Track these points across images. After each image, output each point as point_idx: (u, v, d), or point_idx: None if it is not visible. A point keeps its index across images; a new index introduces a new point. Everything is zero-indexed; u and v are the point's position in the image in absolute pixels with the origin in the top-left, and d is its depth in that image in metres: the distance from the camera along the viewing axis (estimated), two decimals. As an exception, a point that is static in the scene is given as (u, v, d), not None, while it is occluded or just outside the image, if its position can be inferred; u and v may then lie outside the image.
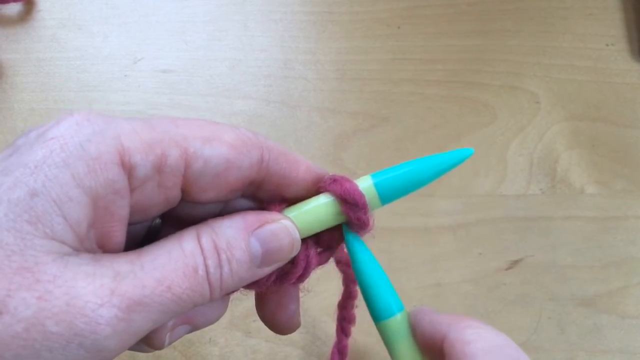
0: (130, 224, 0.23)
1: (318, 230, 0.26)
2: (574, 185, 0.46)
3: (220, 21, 0.50)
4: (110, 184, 0.21)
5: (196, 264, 0.22)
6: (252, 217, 0.24)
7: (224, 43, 0.50)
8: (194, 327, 0.26)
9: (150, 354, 0.40)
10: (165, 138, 0.22)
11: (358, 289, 0.29)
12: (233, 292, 0.25)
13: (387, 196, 0.26)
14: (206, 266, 0.22)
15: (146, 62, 0.48)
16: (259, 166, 0.24)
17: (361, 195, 0.25)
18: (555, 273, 0.44)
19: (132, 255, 0.22)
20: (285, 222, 0.25)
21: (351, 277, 0.31)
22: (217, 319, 0.27)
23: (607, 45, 0.51)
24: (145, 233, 0.26)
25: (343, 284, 0.32)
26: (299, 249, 0.26)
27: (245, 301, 0.42)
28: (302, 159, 0.26)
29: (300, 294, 0.29)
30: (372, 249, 0.43)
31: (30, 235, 0.19)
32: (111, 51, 0.49)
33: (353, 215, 0.26)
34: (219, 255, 0.23)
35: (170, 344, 0.26)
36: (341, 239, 0.27)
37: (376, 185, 0.26)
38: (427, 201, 0.45)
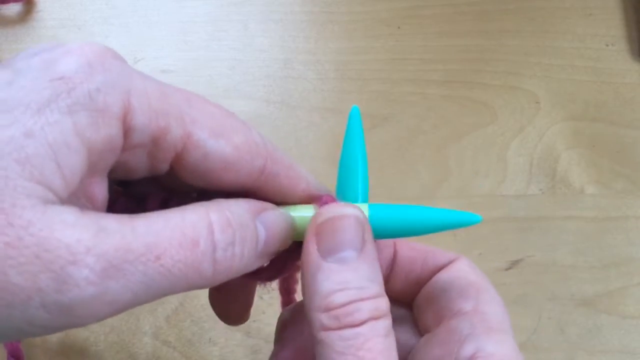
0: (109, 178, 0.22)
1: (299, 239, 0.24)
2: (574, 185, 0.46)
3: (220, 21, 0.50)
4: (109, 141, 0.20)
5: (197, 236, 0.20)
6: (255, 201, 0.23)
7: (224, 43, 0.50)
8: None
9: (150, 354, 0.40)
10: (174, 113, 0.21)
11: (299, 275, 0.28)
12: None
13: (378, 233, 0.24)
14: (214, 242, 0.20)
15: (146, 62, 0.48)
16: (258, 176, 0.23)
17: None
18: (555, 273, 0.44)
19: (124, 217, 0.19)
20: (285, 211, 0.24)
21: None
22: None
23: (607, 45, 0.51)
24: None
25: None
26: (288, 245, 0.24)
27: (245, 301, 0.42)
28: (304, 175, 0.25)
29: (266, 290, 0.28)
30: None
31: (14, 175, 0.17)
32: (111, 51, 0.49)
33: None
34: (234, 232, 0.21)
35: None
36: None
37: (371, 218, 0.24)
38: (427, 201, 0.45)
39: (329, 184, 0.26)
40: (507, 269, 0.44)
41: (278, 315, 0.43)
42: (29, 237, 0.17)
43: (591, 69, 0.50)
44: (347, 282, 0.21)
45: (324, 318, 0.21)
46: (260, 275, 0.25)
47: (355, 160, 0.25)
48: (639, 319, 0.43)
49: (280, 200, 0.24)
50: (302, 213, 0.24)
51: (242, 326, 0.41)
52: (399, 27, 0.51)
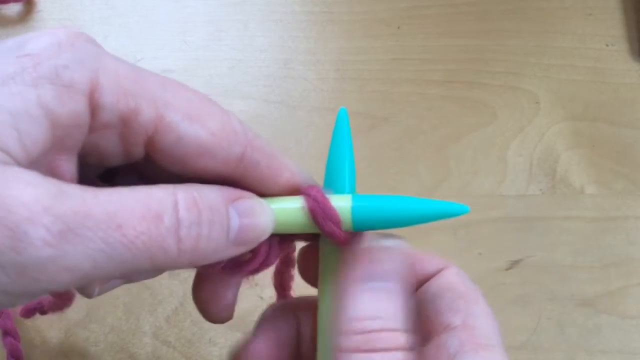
0: (86, 167, 0.22)
1: (283, 232, 0.24)
2: (574, 185, 0.46)
3: (220, 21, 0.50)
4: (74, 116, 0.19)
5: (161, 211, 0.19)
6: (231, 189, 0.22)
7: (224, 43, 0.50)
8: (128, 279, 0.24)
9: (150, 354, 0.40)
10: (145, 95, 0.21)
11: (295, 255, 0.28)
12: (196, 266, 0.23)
13: (361, 224, 0.23)
14: (178, 220, 0.20)
15: (146, 62, 0.48)
16: (237, 164, 0.22)
17: (334, 213, 0.23)
18: (555, 273, 0.44)
19: (89, 187, 0.19)
20: (263, 201, 0.23)
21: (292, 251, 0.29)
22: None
23: (607, 45, 0.51)
24: None
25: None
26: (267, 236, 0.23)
27: (245, 302, 0.42)
28: (288, 165, 0.24)
29: (250, 285, 0.28)
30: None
31: None
32: (111, 51, 0.48)
33: (324, 231, 0.23)
34: (200, 213, 0.20)
35: (100, 294, 0.23)
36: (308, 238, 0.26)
37: (354, 208, 0.23)
38: (427, 201, 0.45)
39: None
40: (507, 269, 0.44)
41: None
42: None
43: (591, 69, 0.50)
44: (380, 312, 0.22)
45: (346, 340, 0.21)
46: (242, 268, 0.25)
47: (342, 155, 0.25)
48: (639, 319, 0.43)
49: (262, 190, 0.24)
50: (285, 204, 0.24)
51: (242, 326, 0.41)
52: (399, 27, 0.51)
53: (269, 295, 0.42)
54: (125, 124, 0.21)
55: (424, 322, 0.25)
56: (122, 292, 0.41)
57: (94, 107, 0.20)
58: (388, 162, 0.46)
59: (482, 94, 0.49)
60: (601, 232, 0.45)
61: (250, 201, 0.23)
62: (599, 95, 0.49)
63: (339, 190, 0.25)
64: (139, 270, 0.20)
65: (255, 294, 0.42)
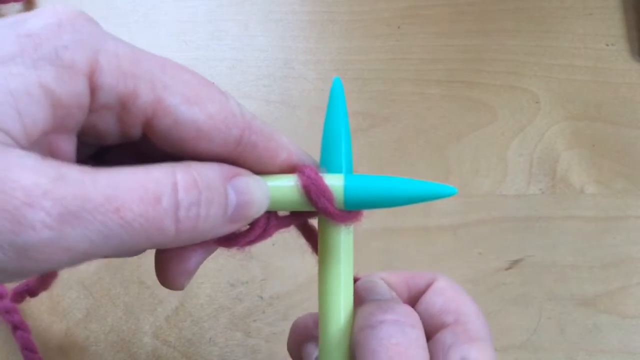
0: (81, 145, 0.22)
1: (281, 209, 0.25)
2: (574, 185, 0.46)
3: (220, 21, 0.50)
4: (75, 97, 0.20)
5: (160, 192, 0.20)
6: (228, 166, 0.23)
7: (224, 43, 0.50)
8: (126, 256, 0.24)
9: (150, 353, 0.40)
10: (144, 77, 0.21)
11: None
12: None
13: (353, 203, 0.24)
14: (177, 201, 0.20)
15: (146, 62, 0.48)
16: (234, 147, 0.23)
17: (326, 189, 0.24)
18: (555, 273, 0.44)
19: (87, 168, 0.19)
20: (259, 178, 0.23)
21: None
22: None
23: (607, 45, 0.51)
24: None
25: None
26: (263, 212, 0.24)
27: (246, 301, 0.42)
28: (285, 145, 0.25)
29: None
30: (372, 249, 0.43)
31: None
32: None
33: (318, 208, 0.24)
34: (200, 193, 0.21)
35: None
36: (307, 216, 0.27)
37: (346, 187, 0.24)
38: (427, 201, 0.45)
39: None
40: (507, 269, 0.44)
41: (278, 315, 0.43)
42: None
43: (591, 69, 0.50)
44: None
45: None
46: (237, 240, 0.25)
47: (338, 132, 0.26)
48: (639, 318, 0.43)
49: (260, 170, 0.24)
50: (280, 182, 0.24)
51: (242, 326, 0.41)
52: (399, 27, 0.51)
53: (269, 295, 0.42)
54: (124, 106, 0.21)
55: (424, 329, 0.27)
56: (122, 292, 0.42)
57: (93, 88, 0.20)
58: (388, 162, 0.46)
59: (482, 94, 0.49)
60: (601, 232, 0.45)
61: (247, 178, 0.23)
62: (599, 95, 0.49)
63: (335, 169, 0.25)
64: (136, 249, 0.20)
65: (256, 294, 0.42)
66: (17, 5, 0.49)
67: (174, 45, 0.49)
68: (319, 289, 0.26)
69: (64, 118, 0.20)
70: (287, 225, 0.26)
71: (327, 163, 0.26)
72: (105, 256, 0.20)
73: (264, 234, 0.25)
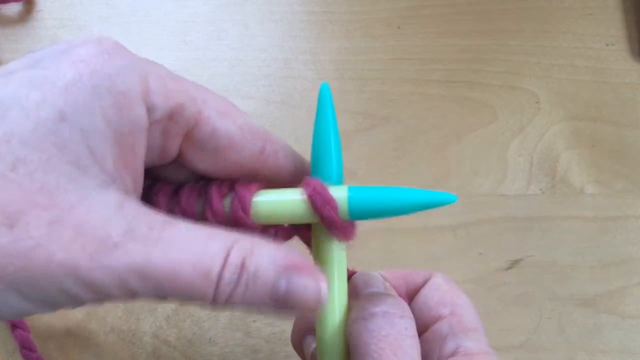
0: None
1: (287, 222, 0.26)
2: (574, 185, 0.46)
3: (220, 21, 0.50)
4: (134, 122, 0.21)
5: (211, 267, 0.21)
6: (295, 257, 0.23)
7: (224, 43, 0.50)
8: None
9: (150, 353, 0.40)
10: (187, 93, 0.23)
11: None
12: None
13: (357, 214, 0.25)
14: (221, 276, 0.21)
15: (146, 62, 0.48)
16: (259, 156, 0.25)
17: (331, 199, 0.24)
18: (555, 273, 0.44)
19: (157, 221, 0.21)
20: (322, 283, 0.23)
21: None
22: None
23: (607, 45, 0.51)
24: None
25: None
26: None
27: (245, 301, 0.42)
28: (297, 155, 0.27)
29: None
30: (372, 249, 0.43)
31: (55, 159, 0.19)
32: (111, 51, 0.49)
33: (323, 217, 0.25)
34: (240, 274, 0.21)
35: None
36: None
37: (350, 199, 0.25)
38: (427, 201, 0.45)
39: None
40: (507, 269, 0.44)
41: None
42: (71, 219, 0.19)
43: (591, 69, 0.50)
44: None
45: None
46: None
47: (327, 140, 0.27)
48: (639, 319, 0.43)
49: (276, 180, 0.26)
50: (286, 195, 0.25)
51: (242, 326, 0.41)
52: (399, 27, 0.51)
53: (269, 295, 0.42)
54: (171, 117, 0.22)
55: (421, 321, 0.29)
56: (122, 292, 0.42)
57: (148, 109, 0.22)
58: (388, 162, 0.46)
59: (482, 94, 0.49)
60: (601, 232, 0.45)
61: (308, 280, 0.22)
62: (599, 95, 0.49)
63: (326, 178, 0.26)
64: (174, 302, 0.22)
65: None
66: (17, 6, 0.49)
67: (174, 45, 0.49)
68: None
69: (131, 146, 0.21)
70: (289, 237, 0.27)
71: (319, 171, 0.26)
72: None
73: None
